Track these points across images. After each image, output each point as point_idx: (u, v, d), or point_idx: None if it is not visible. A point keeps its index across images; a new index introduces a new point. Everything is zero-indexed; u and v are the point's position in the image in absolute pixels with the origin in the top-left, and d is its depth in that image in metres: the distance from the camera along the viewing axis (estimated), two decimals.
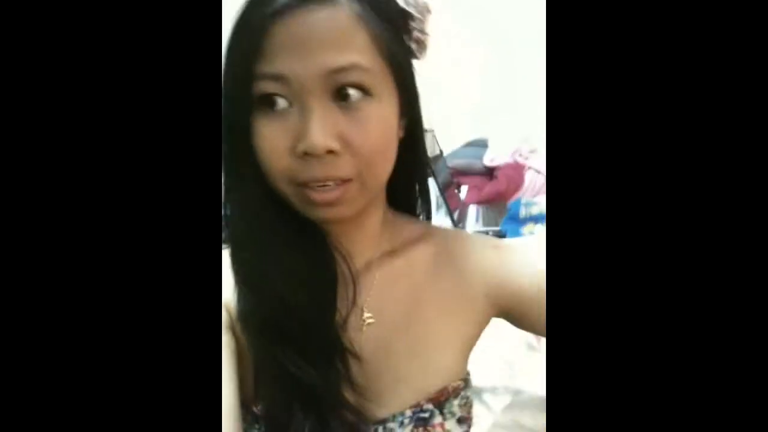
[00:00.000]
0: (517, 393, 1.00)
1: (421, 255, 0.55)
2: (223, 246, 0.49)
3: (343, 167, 0.43)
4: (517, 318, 0.55)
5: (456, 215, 1.62)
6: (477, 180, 2.08)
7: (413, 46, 0.50)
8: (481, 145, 2.21)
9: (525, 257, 0.55)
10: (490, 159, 2.11)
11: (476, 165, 2.14)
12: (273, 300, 0.46)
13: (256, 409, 0.48)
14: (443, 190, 1.53)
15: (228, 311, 0.49)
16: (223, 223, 0.48)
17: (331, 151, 0.42)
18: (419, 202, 0.59)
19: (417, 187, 0.58)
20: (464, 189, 2.02)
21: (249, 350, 0.47)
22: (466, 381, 0.53)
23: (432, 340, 0.52)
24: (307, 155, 0.42)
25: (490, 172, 2.10)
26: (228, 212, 0.48)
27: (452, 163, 2.09)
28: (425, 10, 0.50)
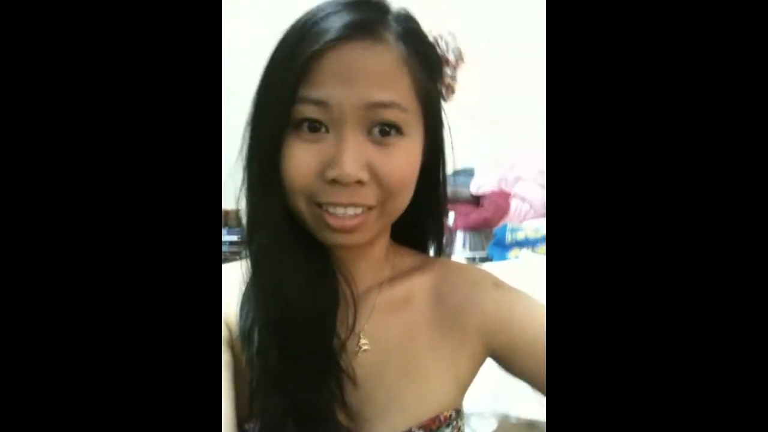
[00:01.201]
0: (504, 417, 1.00)
1: (420, 285, 0.57)
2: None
3: (367, 196, 0.46)
4: (506, 360, 0.56)
5: (444, 241, 1.63)
6: (464, 207, 2.10)
7: (443, 90, 0.53)
8: (468, 173, 2.24)
9: (523, 301, 0.56)
10: (476, 187, 2.14)
11: (463, 193, 2.16)
12: (279, 316, 0.48)
13: (248, 426, 0.48)
14: None
15: (229, 328, 0.50)
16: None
17: (359, 181, 0.45)
18: (431, 237, 0.61)
19: (430, 223, 0.60)
20: (451, 216, 2.04)
21: (247, 366, 0.48)
22: (458, 412, 0.54)
23: (425, 369, 0.53)
24: (334, 182, 0.44)
25: (476, 200, 2.13)
26: (250, 229, 0.50)
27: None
28: (460, 58, 0.53)
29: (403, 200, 0.49)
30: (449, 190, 1.99)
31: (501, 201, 2.01)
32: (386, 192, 0.46)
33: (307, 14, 0.46)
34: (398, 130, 0.46)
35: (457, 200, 2.14)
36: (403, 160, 0.47)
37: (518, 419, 0.99)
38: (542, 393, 0.54)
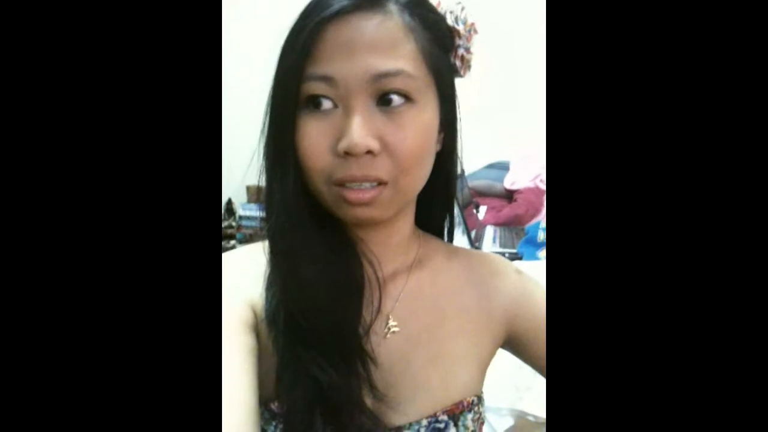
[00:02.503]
0: (520, 416, 1.00)
1: (446, 270, 0.57)
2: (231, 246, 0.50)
3: (380, 168, 0.45)
4: (521, 344, 0.57)
5: (473, 235, 1.62)
6: (496, 202, 2.08)
7: (457, 63, 0.52)
8: (502, 167, 2.22)
9: (542, 289, 0.58)
10: (510, 182, 2.12)
11: (496, 187, 2.14)
12: (302, 298, 0.47)
13: (274, 406, 0.48)
14: (462, 209, 1.54)
15: (254, 311, 0.50)
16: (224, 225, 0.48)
17: (370, 152, 0.44)
18: (442, 225, 0.61)
19: (442, 204, 0.60)
20: (482, 210, 2.02)
21: (274, 349, 0.47)
22: (479, 398, 0.55)
23: (452, 353, 0.54)
24: (347, 154, 0.44)
25: (509, 195, 2.11)
26: (267, 208, 0.50)
27: (472, 183, 2.10)
28: (473, 30, 0.52)
29: (418, 174, 0.49)
30: (482, 183, 1.96)
31: (535, 198, 1.99)
32: (399, 164, 0.46)
33: None
34: (408, 97, 0.45)
35: (490, 194, 2.12)
36: (414, 128, 0.46)
37: (536, 418, 0.98)
38: None
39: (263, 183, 0.50)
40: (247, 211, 2.65)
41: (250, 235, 2.59)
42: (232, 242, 2.59)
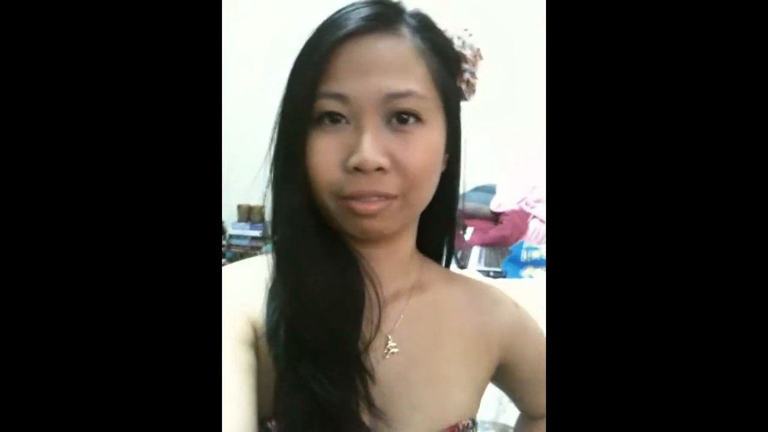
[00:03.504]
0: (503, 429, 1.02)
1: (447, 294, 0.59)
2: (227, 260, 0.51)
3: (389, 184, 0.47)
4: (509, 376, 0.60)
5: (459, 254, 1.66)
6: (482, 223, 2.12)
7: (463, 86, 0.55)
8: (489, 190, 2.27)
9: (534, 323, 0.61)
10: (497, 205, 2.17)
11: (483, 209, 2.18)
12: (304, 311, 0.48)
13: (271, 426, 0.48)
14: None
15: (254, 328, 0.50)
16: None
17: (380, 168, 0.46)
18: (443, 248, 0.63)
19: (444, 234, 0.62)
20: (469, 231, 2.06)
21: (273, 364, 0.48)
22: (474, 422, 0.56)
23: (449, 375, 0.55)
24: (356, 170, 0.46)
25: (495, 217, 2.15)
26: (274, 223, 0.52)
27: (460, 205, 2.13)
28: (478, 56, 0.55)
29: (424, 191, 0.50)
30: (470, 205, 2.00)
31: (520, 221, 2.04)
32: (408, 180, 0.47)
33: (330, 15, 0.49)
34: (417, 117, 0.47)
35: (477, 216, 2.17)
36: (423, 147, 0.47)
37: None
38: (520, 409, 0.62)
39: (266, 201, 0.51)
40: (238, 230, 2.68)
41: (240, 253, 2.61)
42: (222, 260, 2.61)
